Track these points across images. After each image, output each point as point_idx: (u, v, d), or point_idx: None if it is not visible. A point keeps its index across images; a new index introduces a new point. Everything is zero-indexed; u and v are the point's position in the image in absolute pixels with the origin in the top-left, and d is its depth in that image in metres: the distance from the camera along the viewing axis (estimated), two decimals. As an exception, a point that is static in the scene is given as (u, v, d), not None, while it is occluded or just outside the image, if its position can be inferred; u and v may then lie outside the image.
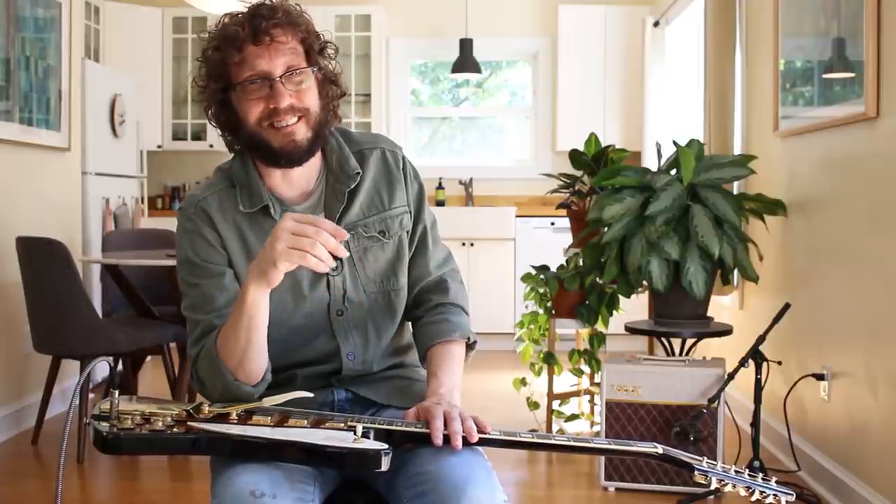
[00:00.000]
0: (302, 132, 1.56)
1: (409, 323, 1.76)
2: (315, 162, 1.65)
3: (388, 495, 1.50)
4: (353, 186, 1.64)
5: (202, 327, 1.56)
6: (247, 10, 1.55)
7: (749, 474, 1.39)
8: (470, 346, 1.69)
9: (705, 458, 1.41)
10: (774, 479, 1.42)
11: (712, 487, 1.39)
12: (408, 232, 1.69)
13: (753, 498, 1.39)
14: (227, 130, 1.62)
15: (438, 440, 1.38)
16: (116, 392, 1.36)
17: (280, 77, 1.53)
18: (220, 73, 1.56)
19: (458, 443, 1.39)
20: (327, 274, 1.61)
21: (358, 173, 1.64)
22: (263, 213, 1.60)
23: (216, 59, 1.55)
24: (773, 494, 1.38)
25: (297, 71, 1.55)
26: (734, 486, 1.38)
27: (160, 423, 1.35)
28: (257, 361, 1.51)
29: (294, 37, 1.56)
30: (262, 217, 1.60)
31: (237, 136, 1.62)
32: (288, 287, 1.59)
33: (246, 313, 1.45)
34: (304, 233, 1.36)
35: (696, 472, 1.38)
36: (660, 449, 1.41)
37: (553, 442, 1.44)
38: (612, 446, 1.44)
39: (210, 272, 1.59)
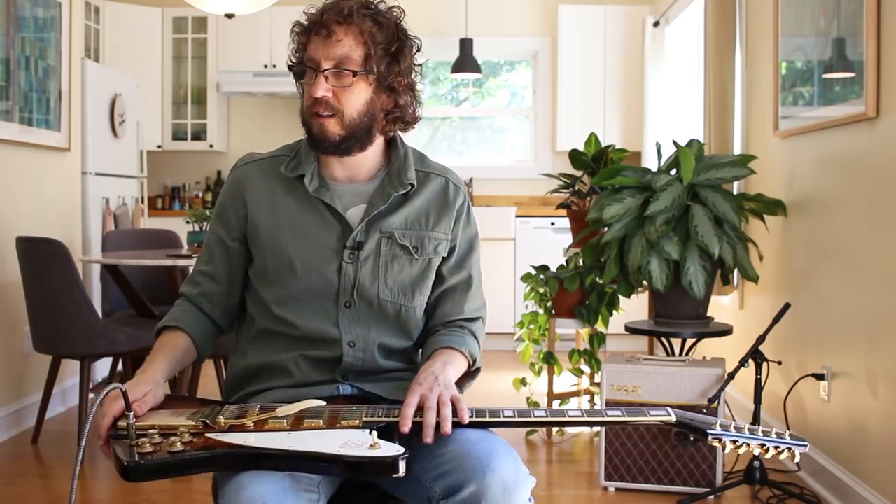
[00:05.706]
0: (332, 128, 1.61)
1: (413, 343, 1.76)
2: (374, 160, 1.69)
3: (402, 482, 1.48)
4: (401, 193, 1.67)
5: (193, 273, 1.77)
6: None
7: (762, 430, 1.41)
8: (472, 374, 1.71)
9: (718, 420, 1.43)
10: (788, 433, 1.43)
11: (727, 451, 1.43)
12: (442, 258, 1.71)
13: (769, 455, 1.42)
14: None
15: (406, 427, 1.40)
16: (132, 414, 1.37)
17: (324, 70, 1.58)
18: (298, 48, 1.65)
19: (430, 438, 1.40)
20: (344, 245, 1.64)
21: (412, 185, 1.68)
22: (299, 180, 1.67)
23: (299, 38, 1.65)
24: (787, 448, 1.41)
25: (343, 70, 1.58)
26: (748, 446, 1.40)
27: (178, 444, 1.35)
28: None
29: (354, 38, 1.58)
30: (298, 184, 1.67)
31: None
32: (288, 225, 1.67)
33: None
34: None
35: (709, 437, 1.40)
36: (673, 417, 1.43)
37: (565, 419, 1.46)
38: (625, 417, 1.44)
39: (220, 230, 1.73)
